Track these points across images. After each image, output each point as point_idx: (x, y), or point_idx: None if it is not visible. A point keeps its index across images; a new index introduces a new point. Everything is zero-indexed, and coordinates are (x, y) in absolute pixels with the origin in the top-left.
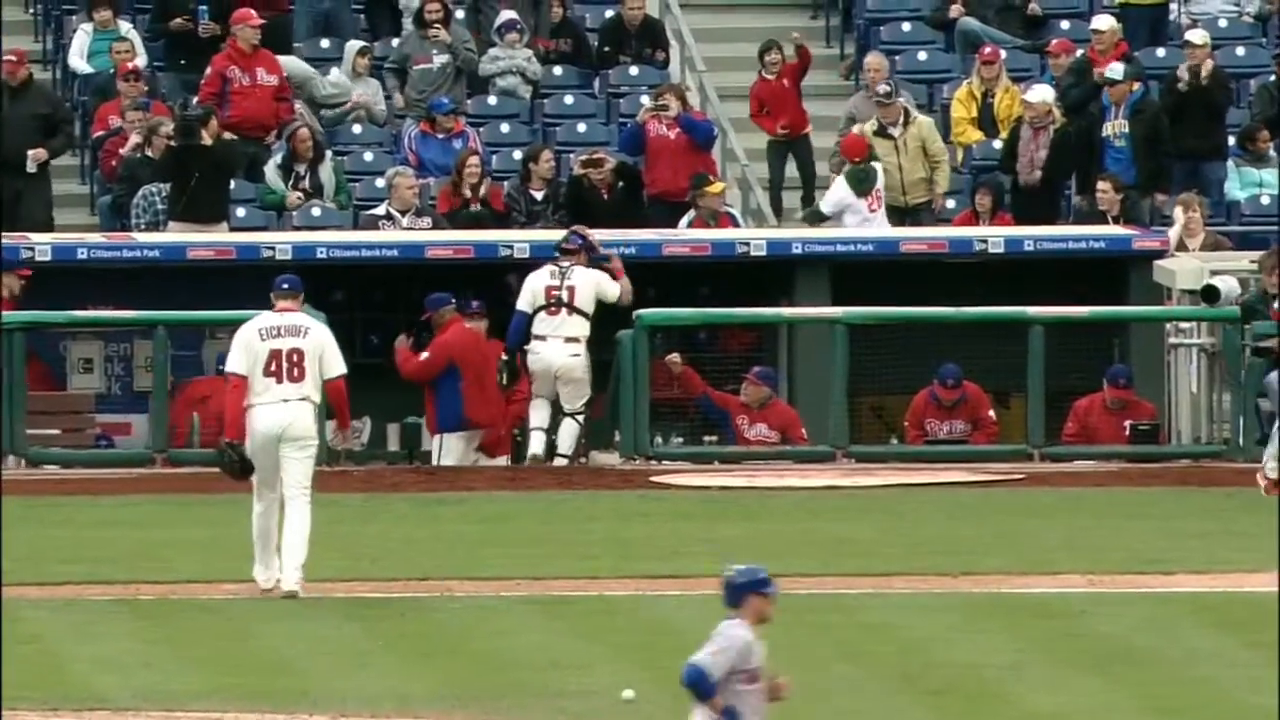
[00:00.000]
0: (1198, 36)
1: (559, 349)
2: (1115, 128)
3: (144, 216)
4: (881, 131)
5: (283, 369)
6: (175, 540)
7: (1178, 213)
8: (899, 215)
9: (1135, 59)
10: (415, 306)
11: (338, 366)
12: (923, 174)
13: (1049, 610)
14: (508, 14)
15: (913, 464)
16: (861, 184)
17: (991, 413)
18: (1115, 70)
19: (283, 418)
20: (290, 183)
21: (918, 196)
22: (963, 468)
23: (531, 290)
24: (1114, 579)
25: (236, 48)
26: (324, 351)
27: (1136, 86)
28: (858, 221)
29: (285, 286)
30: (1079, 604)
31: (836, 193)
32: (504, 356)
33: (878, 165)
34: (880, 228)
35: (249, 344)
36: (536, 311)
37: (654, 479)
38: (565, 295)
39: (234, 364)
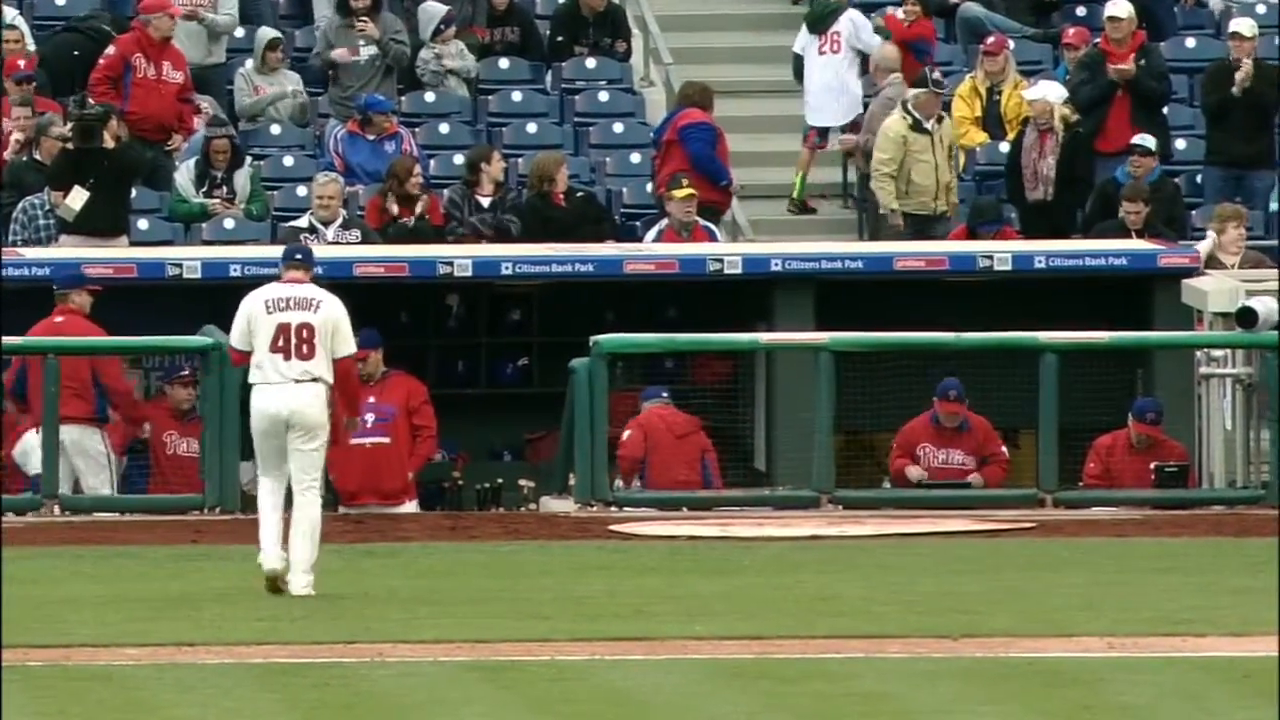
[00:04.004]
0: (1246, 27)
1: None
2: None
3: (24, 232)
4: (917, 126)
5: (290, 345)
6: (70, 598)
7: (1211, 230)
8: (923, 224)
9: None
10: None
11: (348, 345)
12: (948, 177)
13: (1063, 677)
14: (437, 5)
15: (908, 511)
16: (817, 22)
17: (1004, 448)
18: (1146, 139)
19: (290, 401)
20: (204, 190)
21: (945, 203)
22: (965, 515)
23: None
24: (1137, 642)
25: (146, 35)
26: (336, 327)
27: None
28: (809, 63)
29: (299, 256)
30: (1098, 670)
31: (799, 37)
32: None
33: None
34: (838, 71)
35: (253, 317)
36: None
37: (614, 528)
38: None
39: (235, 339)
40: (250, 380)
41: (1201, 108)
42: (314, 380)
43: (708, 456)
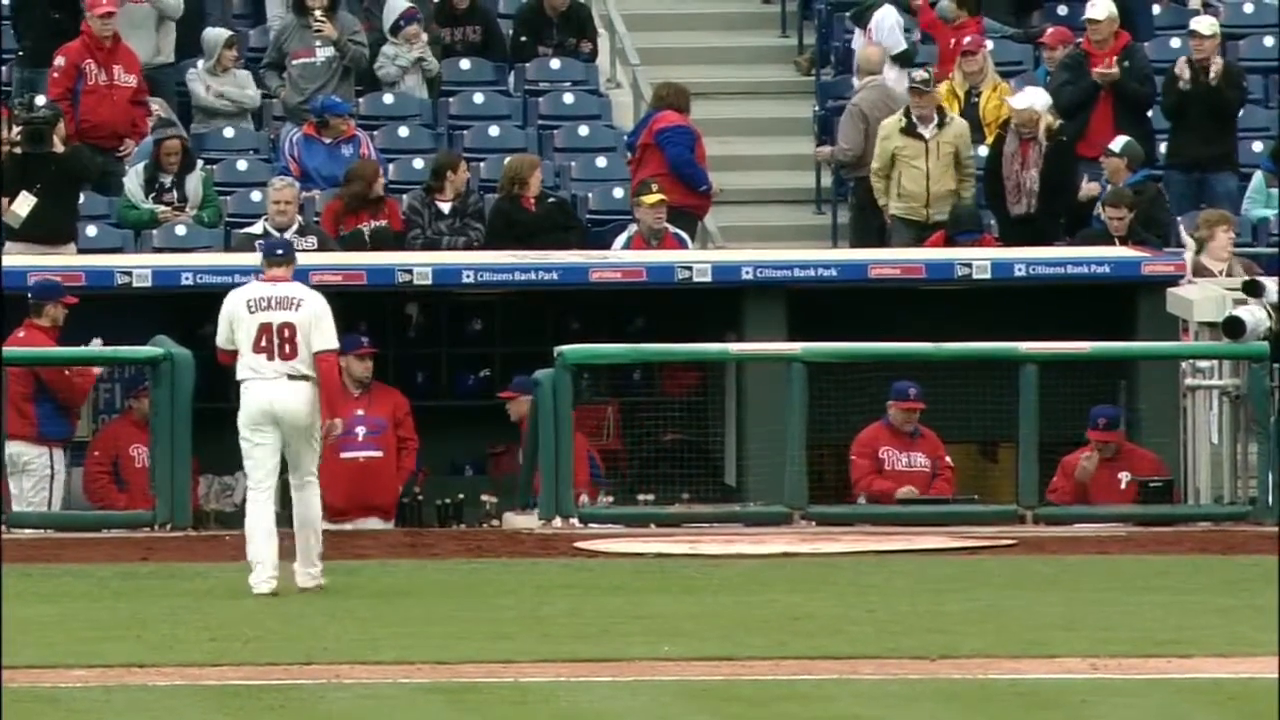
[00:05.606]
0: (1205, 25)
1: None
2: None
3: None
4: (910, 129)
5: (273, 345)
6: (14, 619)
7: (1192, 238)
8: (917, 230)
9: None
10: None
11: (328, 340)
12: (952, 185)
13: (1044, 700)
14: (400, 2)
15: (883, 527)
16: (858, 17)
17: (949, 459)
18: (1117, 141)
19: (282, 399)
20: (154, 196)
21: (942, 211)
22: (943, 532)
23: None
24: (1120, 663)
25: (93, 37)
26: (317, 323)
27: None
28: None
29: (279, 252)
30: (1079, 692)
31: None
32: None
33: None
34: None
35: (235, 317)
36: None
37: (579, 545)
38: None
39: (220, 340)
40: (239, 378)
41: (1161, 109)
42: (302, 378)
43: (590, 451)
